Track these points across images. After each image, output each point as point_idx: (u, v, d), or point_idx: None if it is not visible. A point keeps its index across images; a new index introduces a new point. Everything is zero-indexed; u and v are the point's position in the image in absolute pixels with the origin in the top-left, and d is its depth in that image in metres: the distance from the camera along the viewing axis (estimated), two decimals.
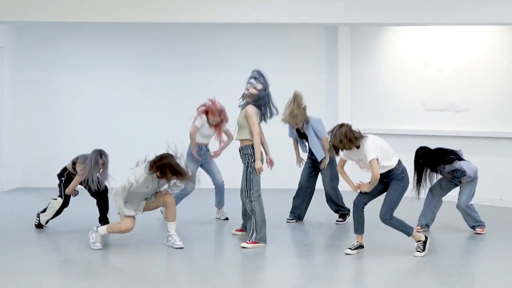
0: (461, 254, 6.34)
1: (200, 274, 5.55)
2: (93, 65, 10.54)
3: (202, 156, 7.53)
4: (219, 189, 7.73)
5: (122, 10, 7.47)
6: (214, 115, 7.31)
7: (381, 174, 5.93)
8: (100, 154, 6.81)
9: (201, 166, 7.64)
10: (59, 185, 7.15)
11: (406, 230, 6.06)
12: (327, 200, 7.75)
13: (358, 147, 5.88)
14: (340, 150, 5.96)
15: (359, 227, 6.06)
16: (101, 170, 6.84)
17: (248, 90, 6.33)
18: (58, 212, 7.12)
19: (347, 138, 5.80)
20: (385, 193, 6.11)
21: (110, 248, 6.28)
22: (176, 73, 10.54)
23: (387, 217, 5.99)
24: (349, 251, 6.01)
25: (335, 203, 7.67)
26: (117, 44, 10.62)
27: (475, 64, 9.21)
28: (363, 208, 6.06)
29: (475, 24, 8.41)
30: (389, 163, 5.97)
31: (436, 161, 6.73)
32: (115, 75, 10.45)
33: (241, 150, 6.39)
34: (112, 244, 6.45)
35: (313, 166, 7.64)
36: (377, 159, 5.86)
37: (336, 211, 7.73)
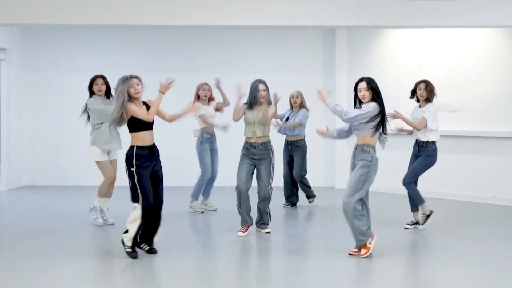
0: (454, 252, 6.40)
1: (201, 272, 5.74)
2: (97, 66, 10.65)
3: (210, 143, 8.12)
4: (210, 179, 8.17)
5: (126, 12, 7.59)
6: (200, 86, 8.15)
7: (419, 144, 7.00)
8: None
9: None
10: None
11: (417, 200, 7.04)
12: (288, 185, 8.56)
13: (429, 101, 7.06)
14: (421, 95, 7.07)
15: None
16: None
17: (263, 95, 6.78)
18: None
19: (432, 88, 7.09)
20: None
21: (114, 246, 6.39)
22: (177, 75, 10.42)
23: (407, 181, 6.98)
24: (407, 226, 7.10)
25: (297, 189, 8.57)
26: (121, 46, 10.80)
27: (469, 65, 9.40)
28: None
29: (469, 26, 8.56)
30: (431, 136, 6.97)
31: None
32: (119, 76, 10.54)
33: (263, 144, 6.77)
34: (116, 241, 6.61)
35: (290, 157, 8.48)
36: (427, 123, 6.96)
37: (288, 197, 8.61)
